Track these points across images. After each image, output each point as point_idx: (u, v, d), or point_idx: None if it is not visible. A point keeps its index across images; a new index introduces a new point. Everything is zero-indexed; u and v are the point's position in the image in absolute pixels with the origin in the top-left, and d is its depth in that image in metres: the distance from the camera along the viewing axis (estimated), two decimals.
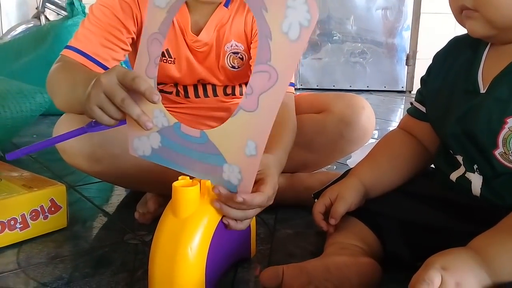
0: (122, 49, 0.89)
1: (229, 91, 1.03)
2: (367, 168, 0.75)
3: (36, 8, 2.79)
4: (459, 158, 0.65)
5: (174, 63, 0.96)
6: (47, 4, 2.78)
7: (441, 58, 0.71)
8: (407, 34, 3.02)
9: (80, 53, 0.85)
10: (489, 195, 0.60)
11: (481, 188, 0.62)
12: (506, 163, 0.58)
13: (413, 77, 3.03)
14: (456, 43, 0.70)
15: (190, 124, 1.02)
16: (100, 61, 0.86)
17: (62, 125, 0.83)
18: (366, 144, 1.07)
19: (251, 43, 0.95)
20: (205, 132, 0.61)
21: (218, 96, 1.02)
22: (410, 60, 3.03)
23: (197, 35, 0.93)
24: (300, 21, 0.50)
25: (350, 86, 3.09)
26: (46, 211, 0.80)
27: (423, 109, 0.74)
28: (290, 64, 0.52)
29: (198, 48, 0.95)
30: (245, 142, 0.57)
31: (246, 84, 1.05)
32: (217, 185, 0.61)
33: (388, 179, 0.74)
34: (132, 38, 0.91)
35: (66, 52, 0.87)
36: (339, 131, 0.97)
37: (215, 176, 0.61)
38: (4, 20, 3.48)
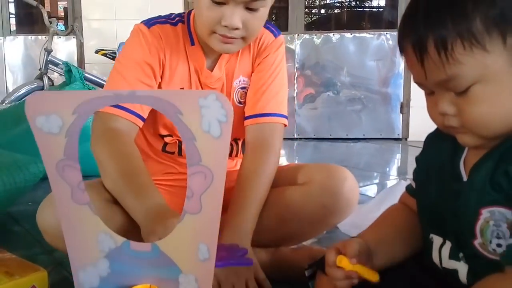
0: None
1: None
2: (370, 232, 0.74)
3: (39, 69, 2.88)
4: (444, 245, 0.64)
5: None
6: (50, 65, 2.88)
7: (431, 141, 0.72)
8: (400, 83, 3.08)
9: (116, 106, 0.90)
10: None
11: (467, 278, 0.61)
12: (486, 254, 0.57)
13: (408, 124, 3.07)
14: None
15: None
16: (136, 111, 0.92)
17: (45, 210, 0.85)
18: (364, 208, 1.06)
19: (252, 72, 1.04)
20: (156, 244, 0.60)
21: None
22: (404, 108, 3.08)
23: (211, 70, 1.01)
24: (218, 118, 0.51)
25: (347, 135, 3.13)
26: None
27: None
28: (221, 160, 0.53)
29: (211, 85, 1.02)
30: (197, 246, 0.57)
31: (237, 140, 1.10)
32: None
33: (393, 247, 0.72)
34: (159, 82, 0.98)
35: (106, 108, 0.90)
36: (322, 202, 0.96)
37: None
38: (9, 79, 3.60)
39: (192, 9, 0.99)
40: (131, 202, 0.83)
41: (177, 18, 1.01)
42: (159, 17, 1.01)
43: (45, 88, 2.86)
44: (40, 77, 2.90)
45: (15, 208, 1.52)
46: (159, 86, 1.00)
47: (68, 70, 1.90)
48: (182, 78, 1.00)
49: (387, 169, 2.46)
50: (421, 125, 3.19)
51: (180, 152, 1.05)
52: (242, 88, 1.05)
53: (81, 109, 0.55)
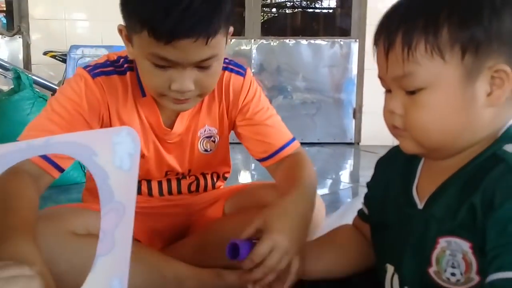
0: None
1: (193, 188, 1.04)
2: (308, 248, 0.77)
3: None
4: (394, 275, 0.66)
5: (143, 157, 0.93)
6: None
7: (382, 166, 0.75)
8: (353, 89, 3.18)
9: (40, 155, 0.79)
10: None
11: None
12: (439, 282, 0.60)
13: (360, 129, 3.18)
14: (396, 152, 0.73)
15: (143, 219, 0.95)
16: (56, 161, 0.82)
17: None
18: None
19: (234, 121, 0.97)
20: None
21: (182, 193, 1.03)
22: (357, 113, 3.17)
23: (171, 128, 0.93)
24: (128, 151, 0.52)
25: (302, 139, 3.19)
26: None
27: (367, 212, 0.77)
28: (131, 191, 0.54)
29: (170, 140, 0.95)
30: (110, 283, 0.56)
31: (212, 175, 1.06)
32: None
33: (327, 262, 0.76)
34: None
35: None
36: None
37: None
38: None
39: None
40: None
41: (125, 65, 0.90)
42: (106, 63, 0.89)
43: None
44: None
45: None
46: None
47: (17, 77, 1.81)
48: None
49: (341, 174, 2.53)
50: (373, 130, 3.33)
51: (139, 191, 0.99)
52: (207, 137, 0.98)
53: None
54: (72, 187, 1.76)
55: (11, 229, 0.66)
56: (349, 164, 2.78)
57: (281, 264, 0.70)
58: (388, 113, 0.62)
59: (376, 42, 0.62)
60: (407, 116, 0.60)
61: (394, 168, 0.71)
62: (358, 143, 3.18)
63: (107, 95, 0.88)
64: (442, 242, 0.59)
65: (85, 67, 0.88)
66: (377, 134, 3.05)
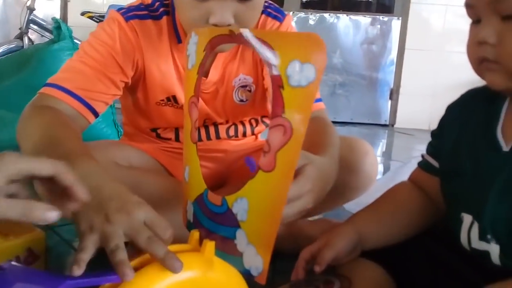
0: (114, 94, 0.83)
1: (231, 133, 1.00)
2: (366, 216, 0.73)
3: (19, 29, 2.73)
4: (473, 225, 0.61)
5: (181, 108, 0.90)
6: (31, 25, 2.72)
7: (455, 110, 0.69)
8: (391, 69, 3.08)
9: (73, 96, 0.77)
10: None
11: (500, 258, 0.58)
12: None
13: (396, 111, 3.08)
14: (471, 96, 0.68)
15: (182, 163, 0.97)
16: (91, 104, 0.79)
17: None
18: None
19: (262, 70, 0.92)
20: (225, 199, 0.56)
21: (220, 138, 0.99)
22: (394, 94, 3.07)
23: (206, 77, 0.89)
24: (313, 64, 0.47)
25: (335, 118, 3.11)
26: (22, 261, 0.75)
27: (434, 163, 0.71)
28: (303, 113, 0.49)
29: (206, 90, 0.91)
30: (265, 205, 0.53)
31: (251, 121, 1.02)
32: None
33: (388, 231, 0.71)
34: (126, 83, 0.85)
35: (51, 91, 0.77)
36: (342, 178, 0.87)
37: (233, 257, 0.56)
38: None
39: None
40: None
41: (161, 9, 0.86)
42: (140, 6, 0.86)
43: (24, 48, 2.71)
44: (20, 37, 2.75)
45: None
46: (136, 93, 0.90)
47: (57, 26, 1.79)
48: (169, 84, 0.88)
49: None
50: (409, 113, 3.20)
51: (177, 138, 0.96)
52: (242, 86, 0.93)
53: None
54: None
55: (72, 153, 0.62)
56: (382, 144, 2.70)
57: (308, 199, 0.62)
58: (476, 45, 0.56)
59: None
60: (503, 45, 0.54)
61: (470, 113, 0.66)
62: (392, 125, 3.08)
63: (141, 39, 0.84)
64: None
65: (118, 10, 0.85)
66: (413, 117, 2.96)
